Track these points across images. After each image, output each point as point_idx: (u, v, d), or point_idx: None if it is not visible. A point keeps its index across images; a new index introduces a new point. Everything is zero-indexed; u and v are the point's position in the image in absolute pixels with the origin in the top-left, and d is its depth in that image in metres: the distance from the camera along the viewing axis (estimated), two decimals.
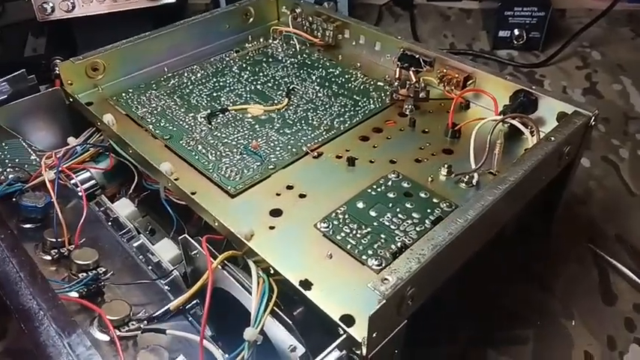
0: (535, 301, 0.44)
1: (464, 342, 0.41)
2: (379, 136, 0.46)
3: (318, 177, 0.41)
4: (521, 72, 0.78)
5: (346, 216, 0.37)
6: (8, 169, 0.40)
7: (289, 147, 0.44)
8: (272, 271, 0.31)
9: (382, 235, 0.35)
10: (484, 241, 0.35)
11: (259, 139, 0.45)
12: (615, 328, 0.42)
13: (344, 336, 0.28)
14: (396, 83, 0.50)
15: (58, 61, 0.48)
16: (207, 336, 0.31)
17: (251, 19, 0.62)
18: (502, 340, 0.41)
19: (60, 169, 0.39)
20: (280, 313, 0.29)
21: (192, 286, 0.32)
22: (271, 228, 0.36)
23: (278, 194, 0.39)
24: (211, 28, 0.59)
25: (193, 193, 0.38)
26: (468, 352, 0.40)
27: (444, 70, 0.50)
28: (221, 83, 0.53)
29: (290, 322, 0.29)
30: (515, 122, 0.42)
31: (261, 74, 0.55)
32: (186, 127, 0.46)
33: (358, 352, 0.28)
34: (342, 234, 0.35)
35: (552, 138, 0.38)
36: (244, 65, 0.56)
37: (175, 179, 0.39)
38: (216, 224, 0.35)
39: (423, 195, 0.38)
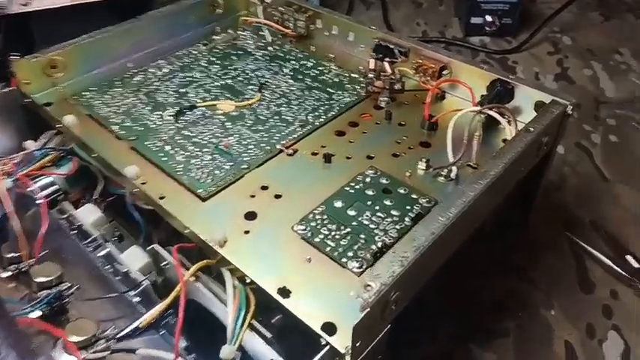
0: (515, 293, 0.44)
1: (445, 340, 0.40)
2: (355, 131, 0.44)
3: (293, 176, 0.39)
4: (494, 58, 0.77)
5: (324, 216, 0.35)
6: None
7: (263, 145, 0.42)
8: (248, 280, 0.29)
9: (362, 236, 0.33)
10: (466, 237, 0.34)
11: (231, 138, 0.42)
12: (594, 315, 0.41)
13: (327, 348, 0.26)
14: (371, 75, 0.49)
15: (12, 58, 0.44)
16: (181, 348, 0.29)
17: (219, 10, 0.59)
18: (484, 335, 0.41)
19: (17, 177, 0.36)
20: (258, 325, 0.28)
21: (165, 296, 0.30)
22: (246, 232, 0.34)
23: (252, 196, 0.37)
24: (177, 20, 0.56)
25: (162, 198, 0.36)
26: (450, 350, 0.40)
27: (420, 61, 0.48)
28: (189, 78, 0.50)
29: (269, 335, 0.27)
30: (493, 113, 0.41)
31: (231, 68, 0.52)
32: (153, 126, 0.43)
33: None
34: (321, 236, 0.33)
35: (531, 129, 0.37)
36: (213, 59, 0.53)
37: (142, 183, 0.37)
38: (187, 231, 0.33)
39: (401, 191, 0.37)
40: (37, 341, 0.26)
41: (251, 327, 0.28)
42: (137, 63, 0.52)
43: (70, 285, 0.31)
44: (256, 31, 0.58)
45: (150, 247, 0.31)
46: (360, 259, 0.32)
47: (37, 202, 0.36)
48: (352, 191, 0.37)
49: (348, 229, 0.34)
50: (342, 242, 0.33)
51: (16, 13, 0.63)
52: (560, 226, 0.49)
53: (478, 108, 0.41)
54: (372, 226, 0.34)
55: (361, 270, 0.31)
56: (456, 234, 0.31)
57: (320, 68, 0.52)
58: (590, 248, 0.46)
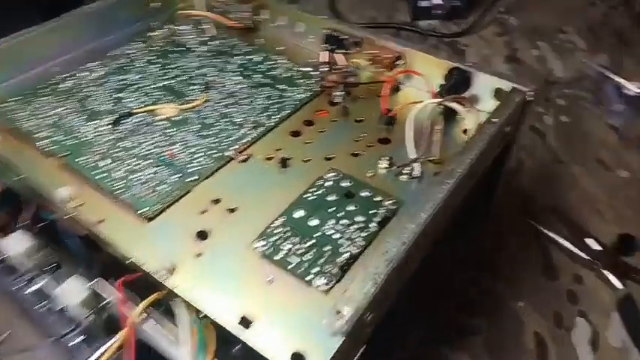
0: (482, 287, 0.42)
1: (415, 345, 0.38)
2: (311, 130, 0.41)
3: (248, 185, 0.35)
4: (444, 42, 0.76)
5: (285, 229, 0.32)
6: None
7: (211, 152, 0.38)
8: (202, 315, 0.26)
9: (327, 247, 0.31)
10: (435, 240, 0.32)
11: (175, 146, 0.38)
12: (560, 303, 0.41)
13: None
14: (324, 68, 0.45)
15: None
16: None
17: (154, 4, 0.54)
18: (453, 334, 0.39)
19: None
20: None
21: (112, 333, 0.27)
22: (198, 255, 0.30)
23: (203, 211, 0.33)
24: (109, 16, 0.50)
25: (100, 222, 0.31)
26: (421, 354, 0.38)
27: (374, 51, 0.46)
28: (125, 81, 0.45)
29: None
30: (454, 105, 0.39)
31: (171, 67, 0.48)
32: (88, 139, 0.39)
33: None
34: (283, 252, 0.30)
35: (494, 120, 0.35)
36: (151, 58, 0.49)
37: (78, 205, 0.32)
38: (129, 262, 0.29)
39: (365, 194, 0.34)
40: None
41: None
42: (65, 67, 0.46)
43: None
44: (197, 25, 0.54)
45: (90, 283, 0.27)
46: (327, 275, 0.29)
47: None
48: (313, 198, 0.34)
49: (312, 242, 0.31)
50: (306, 257, 0.30)
51: None
52: (521, 213, 0.48)
53: (438, 100, 0.39)
54: (336, 235, 0.31)
55: (329, 287, 0.28)
56: (426, 239, 0.29)
57: (269, 63, 0.49)
58: (551, 234, 0.45)
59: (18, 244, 0.33)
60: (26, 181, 0.34)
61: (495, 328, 0.39)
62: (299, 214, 0.33)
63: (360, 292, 0.24)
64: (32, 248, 0.34)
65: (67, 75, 0.45)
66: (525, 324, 0.39)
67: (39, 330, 0.28)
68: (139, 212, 0.33)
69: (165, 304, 0.28)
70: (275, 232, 0.32)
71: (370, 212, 0.33)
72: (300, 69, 0.48)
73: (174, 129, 0.40)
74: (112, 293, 0.27)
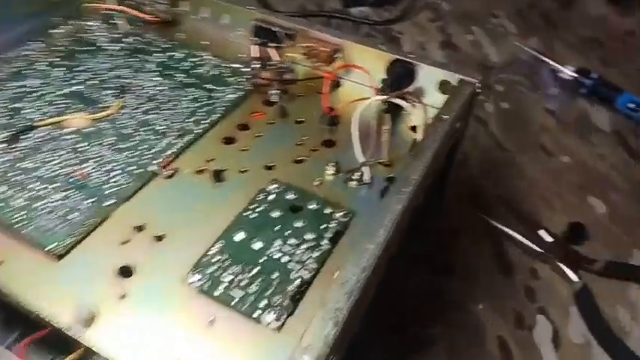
0: (437, 291, 0.40)
1: None
2: (247, 135, 0.37)
3: (176, 205, 0.31)
4: (378, 30, 0.74)
5: (224, 257, 0.28)
6: None
7: (131, 168, 0.33)
8: None
9: (275, 275, 0.27)
10: (392, 255, 0.29)
11: (87, 164, 0.33)
12: (519, 301, 0.40)
13: None
14: (256, 64, 0.41)
15: None
16: None
17: None
18: (414, 346, 0.37)
19: None
20: None
21: None
22: (122, 297, 0.26)
23: (125, 242, 0.29)
24: (1, 12, 0.43)
25: None
26: None
27: (309, 44, 0.42)
28: (24, 88, 0.39)
29: None
30: (400, 101, 0.36)
31: (79, 70, 0.42)
32: None
33: None
34: (223, 285, 0.26)
35: (445, 116, 0.33)
36: (55, 60, 0.42)
37: None
38: (34, 316, 0.24)
39: (313, 206, 0.31)
40: None
41: None
42: None
43: None
44: (108, 20, 0.48)
45: None
46: (277, 308, 0.25)
47: None
48: (255, 216, 0.30)
49: (257, 269, 0.27)
50: (251, 289, 0.26)
51: None
52: (470, 207, 0.47)
53: (383, 97, 0.36)
54: (285, 258, 0.28)
55: (281, 323, 0.25)
56: (387, 256, 0.26)
57: (193, 60, 0.44)
58: (503, 227, 0.44)
59: None
60: None
61: (457, 336, 0.37)
62: (239, 236, 0.29)
63: (320, 337, 0.21)
64: None
65: None
66: (487, 328, 0.38)
67: None
68: (46, 249, 0.28)
69: None
70: (212, 261, 0.27)
71: (321, 227, 0.30)
72: (230, 65, 0.43)
73: (86, 143, 0.35)
74: None
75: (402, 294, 0.39)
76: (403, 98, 0.37)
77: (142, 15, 0.47)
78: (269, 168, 0.34)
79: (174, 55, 0.44)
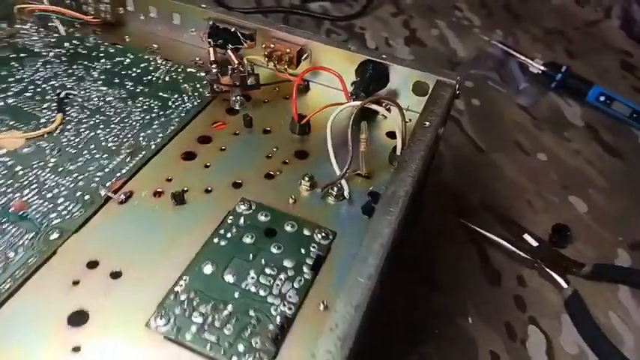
0: (424, 305, 0.39)
1: None
2: (209, 149, 0.34)
3: (133, 235, 0.28)
4: (340, 26, 0.72)
5: (191, 294, 0.25)
6: None
7: (78, 194, 0.30)
8: None
9: (251, 313, 0.24)
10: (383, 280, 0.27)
11: (26, 192, 0.29)
12: (509, 312, 0.39)
13: None
14: (214, 69, 0.39)
15: None
16: None
17: None
18: None
19: None
20: None
21: None
22: (75, 350, 0.23)
23: (76, 282, 0.25)
24: None
25: None
26: None
27: (271, 45, 0.39)
28: None
29: None
30: (376, 107, 0.34)
31: (11, 80, 0.38)
32: None
33: None
34: (193, 328, 0.24)
35: (426, 123, 0.31)
36: None
37: None
38: None
39: (289, 228, 0.29)
40: None
41: None
42: None
43: None
44: (43, 22, 0.44)
45: None
46: (258, 353, 0.23)
47: None
48: (224, 243, 0.28)
49: (230, 307, 0.25)
50: (226, 331, 0.24)
51: None
52: (450, 213, 0.46)
53: (358, 102, 0.34)
54: (262, 292, 0.25)
55: None
56: (379, 285, 0.24)
57: (143, 65, 0.41)
58: (487, 233, 0.43)
59: None
60: None
61: (449, 351, 0.36)
62: (208, 268, 0.26)
63: None
64: None
65: None
66: (478, 342, 0.37)
67: None
68: None
69: None
70: (178, 300, 0.25)
71: (300, 252, 0.27)
72: (183, 70, 0.40)
73: (22, 167, 0.31)
74: None
75: (391, 309, 0.37)
76: (377, 102, 0.35)
77: (80, 16, 0.44)
78: (237, 186, 0.31)
79: (120, 61, 0.41)
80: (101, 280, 0.26)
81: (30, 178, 0.30)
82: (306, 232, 0.28)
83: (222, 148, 0.34)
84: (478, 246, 0.44)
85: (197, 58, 0.42)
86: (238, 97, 0.37)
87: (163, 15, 0.44)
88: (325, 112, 0.35)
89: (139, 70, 0.40)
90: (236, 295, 0.25)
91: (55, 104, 0.36)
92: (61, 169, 0.31)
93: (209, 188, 0.31)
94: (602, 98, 0.57)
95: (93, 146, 0.33)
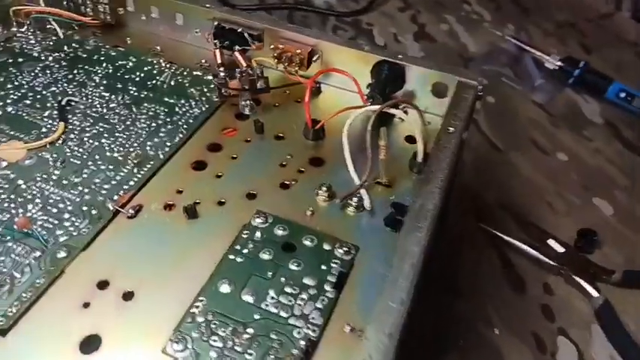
0: (447, 313, 0.38)
1: None
2: (220, 158, 0.33)
3: (144, 252, 0.27)
4: (346, 22, 0.71)
5: (209, 317, 0.24)
6: None
7: (85, 208, 0.29)
8: None
9: (274, 336, 0.23)
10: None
11: (29, 207, 0.28)
12: (536, 321, 0.38)
13: None
14: (222, 72, 0.38)
15: None
16: None
17: None
18: None
19: None
20: None
21: None
22: None
23: (86, 304, 0.25)
24: None
25: None
26: None
27: (280, 46, 0.38)
28: None
29: None
30: (394, 110, 0.33)
31: (10, 87, 0.37)
32: None
33: None
34: (212, 354, 0.23)
35: (451, 128, 0.30)
36: None
37: None
38: None
39: (308, 242, 0.28)
40: None
41: None
42: None
43: None
44: (41, 25, 0.43)
45: None
46: None
47: None
48: (241, 260, 0.27)
49: (251, 330, 0.24)
50: (247, 357, 0.23)
51: None
52: (469, 215, 0.45)
53: (376, 107, 0.33)
54: (283, 313, 0.24)
55: None
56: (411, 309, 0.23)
57: (146, 68, 0.40)
58: (510, 239, 0.42)
59: None
60: None
61: None
62: (225, 288, 0.25)
63: None
64: None
65: None
66: (505, 353, 0.36)
67: None
68: None
69: None
70: (195, 323, 0.24)
71: (321, 269, 0.26)
72: (189, 73, 0.39)
73: (24, 180, 0.30)
74: None
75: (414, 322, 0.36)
76: (394, 105, 0.34)
77: (79, 17, 0.43)
78: (251, 197, 0.30)
79: (122, 64, 0.40)
80: (113, 301, 0.25)
81: (33, 192, 0.29)
82: (327, 247, 0.27)
83: (233, 157, 0.33)
84: (499, 251, 0.43)
85: (203, 60, 0.41)
86: (248, 102, 0.36)
87: (165, 15, 0.43)
88: (339, 116, 0.34)
89: (142, 74, 0.39)
90: (256, 316, 0.24)
91: (56, 112, 0.35)
92: (65, 181, 0.30)
93: (222, 200, 0.30)
94: (622, 94, 0.56)
95: (98, 157, 0.32)
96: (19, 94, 0.36)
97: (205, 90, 0.38)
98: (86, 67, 0.39)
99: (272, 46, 0.39)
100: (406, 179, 0.32)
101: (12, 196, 0.29)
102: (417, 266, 0.22)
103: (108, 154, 0.32)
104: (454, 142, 0.29)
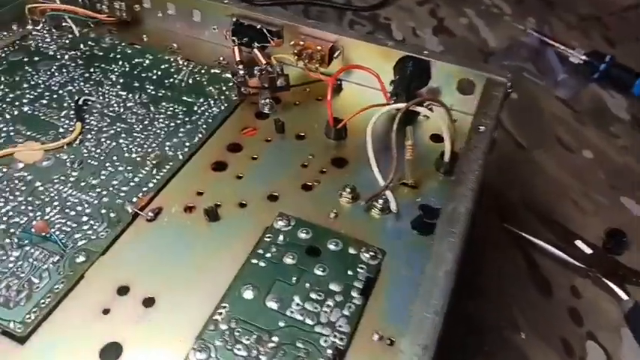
0: (472, 318, 0.37)
1: None
2: (240, 158, 0.32)
3: (164, 256, 0.26)
4: (364, 17, 0.70)
5: (232, 324, 0.23)
6: None
7: (103, 210, 0.28)
8: None
9: (300, 344, 0.23)
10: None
11: (47, 210, 0.28)
12: (564, 325, 0.37)
13: None
14: (241, 70, 0.37)
15: None
16: None
17: None
18: None
19: None
20: None
21: None
22: None
23: (106, 311, 0.24)
24: None
25: None
26: None
27: (300, 42, 0.37)
28: None
29: None
30: (419, 108, 0.32)
31: (25, 86, 0.36)
32: None
33: None
34: None
35: (481, 127, 0.29)
36: None
37: None
38: None
39: (332, 246, 0.27)
40: None
41: None
42: None
43: None
44: (56, 23, 0.42)
45: None
46: None
47: None
48: (264, 265, 0.26)
49: (276, 338, 0.23)
50: None
51: None
52: (492, 214, 0.43)
53: (402, 105, 0.31)
54: (309, 320, 0.24)
55: None
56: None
57: (163, 66, 0.39)
58: (535, 240, 0.41)
59: None
60: None
61: None
62: (249, 294, 0.24)
63: None
64: None
65: None
66: (532, 359, 0.34)
67: None
68: (1, 331, 0.23)
69: None
70: (219, 330, 0.23)
71: (347, 274, 0.25)
72: (207, 71, 0.38)
73: (42, 182, 0.30)
74: None
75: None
76: (420, 102, 0.33)
77: (95, 15, 0.42)
78: (272, 198, 0.30)
79: (139, 62, 0.39)
80: (133, 307, 0.24)
81: (51, 195, 0.29)
82: (352, 251, 0.26)
83: (253, 157, 0.32)
84: (524, 251, 0.41)
85: (220, 58, 0.40)
86: (267, 100, 0.35)
87: (182, 12, 0.42)
88: (361, 115, 0.33)
89: (159, 72, 0.38)
90: (281, 324, 0.23)
91: (72, 112, 0.34)
92: (83, 183, 0.30)
93: (243, 202, 0.29)
94: None
95: (115, 157, 0.31)
96: (36, 94, 0.36)
97: (224, 88, 0.37)
98: (102, 65, 0.38)
99: (292, 43, 0.38)
100: (432, 180, 0.31)
101: (29, 199, 0.28)
102: (451, 273, 0.21)
103: (126, 154, 0.32)
104: (485, 142, 0.28)
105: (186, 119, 0.34)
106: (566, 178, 0.48)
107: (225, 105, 0.36)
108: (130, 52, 0.40)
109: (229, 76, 0.38)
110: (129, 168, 0.31)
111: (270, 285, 0.25)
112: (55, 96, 0.35)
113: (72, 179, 0.30)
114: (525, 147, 0.51)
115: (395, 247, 0.27)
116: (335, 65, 0.37)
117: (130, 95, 0.36)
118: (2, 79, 0.36)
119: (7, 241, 0.26)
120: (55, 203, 0.28)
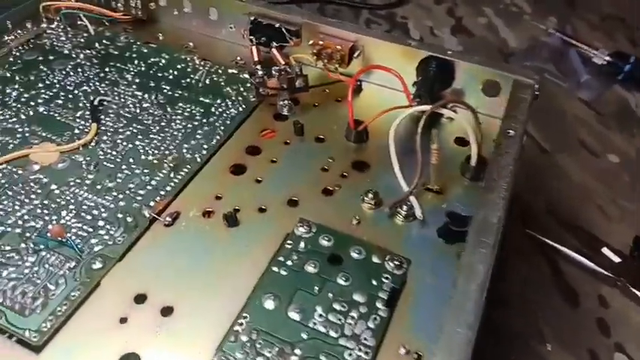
0: (496, 327, 0.36)
1: None
2: (259, 161, 0.31)
3: (182, 263, 0.26)
4: (380, 15, 0.69)
5: (253, 335, 0.22)
6: None
7: (120, 215, 0.27)
8: None
9: (323, 357, 0.22)
10: None
11: (62, 214, 0.27)
12: (591, 336, 0.36)
13: None
14: (259, 71, 0.36)
15: None
16: None
17: None
18: None
19: None
20: None
21: None
22: None
23: (123, 319, 0.23)
24: None
25: None
26: None
27: (319, 42, 0.37)
28: None
29: None
30: (446, 111, 0.31)
31: (40, 86, 0.36)
32: None
33: None
34: None
35: (511, 132, 0.28)
36: (9, 74, 0.36)
37: None
38: None
39: (355, 255, 0.26)
40: None
41: None
42: None
43: None
44: (71, 21, 0.42)
45: None
46: None
47: None
48: (285, 273, 0.25)
49: (298, 351, 0.22)
50: None
51: None
52: (517, 223, 0.42)
53: (426, 107, 0.31)
54: (332, 333, 0.23)
55: None
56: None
57: (180, 66, 0.38)
58: (561, 247, 0.40)
59: None
60: None
61: None
62: (270, 304, 0.24)
63: None
64: None
65: None
66: None
67: None
68: (17, 340, 0.22)
69: None
70: (239, 341, 0.22)
71: (371, 284, 0.24)
72: (224, 71, 0.38)
73: (57, 185, 0.29)
74: None
75: None
76: (444, 104, 0.32)
77: (110, 13, 0.42)
78: (293, 204, 0.29)
79: (155, 62, 0.38)
80: (151, 316, 0.23)
81: (67, 198, 0.28)
82: (376, 260, 0.26)
83: (273, 160, 0.31)
84: (548, 258, 0.40)
85: (238, 58, 0.39)
86: (286, 102, 0.35)
87: (198, 10, 0.41)
88: (382, 117, 0.32)
89: (175, 72, 0.38)
90: (303, 335, 0.22)
91: (88, 112, 0.34)
92: (99, 186, 0.29)
93: (263, 207, 0.28)
94: None
95: (132, 160, 0.31)
96: (51, 94, 0.35)
97: (242, 89, 0.36)
98: (118, 64, 0.38)
99: (310, 42, 0.37)
100: (457, 185, 0.30)
101: (45, 202, 0.28)
102: (483, 286, 0.20)
103: (142, 157, 0.31)
104: (516, 147, 0.26)
105: (204, 121, 0.33)
106: (591, 183, 0.46)
107: (244, 106, 0.35)
108: (145, 51, 0.39)
109: (247, 76, 0.37)
110: (145, 171, 0.30)
111: (291, 294, 0.24)
112: (70, 96, 0.35)
113: (88, 182, 0.29)
114: (548, 151, 0.50)
115: (420, 256, 0.26)
116: (354, 65, 0.36)
117: (146, 95, 0.35)
118: (17, 78, 0.36)
119: (23, 245, 0.26)
120: (71, 207, 0.28)
